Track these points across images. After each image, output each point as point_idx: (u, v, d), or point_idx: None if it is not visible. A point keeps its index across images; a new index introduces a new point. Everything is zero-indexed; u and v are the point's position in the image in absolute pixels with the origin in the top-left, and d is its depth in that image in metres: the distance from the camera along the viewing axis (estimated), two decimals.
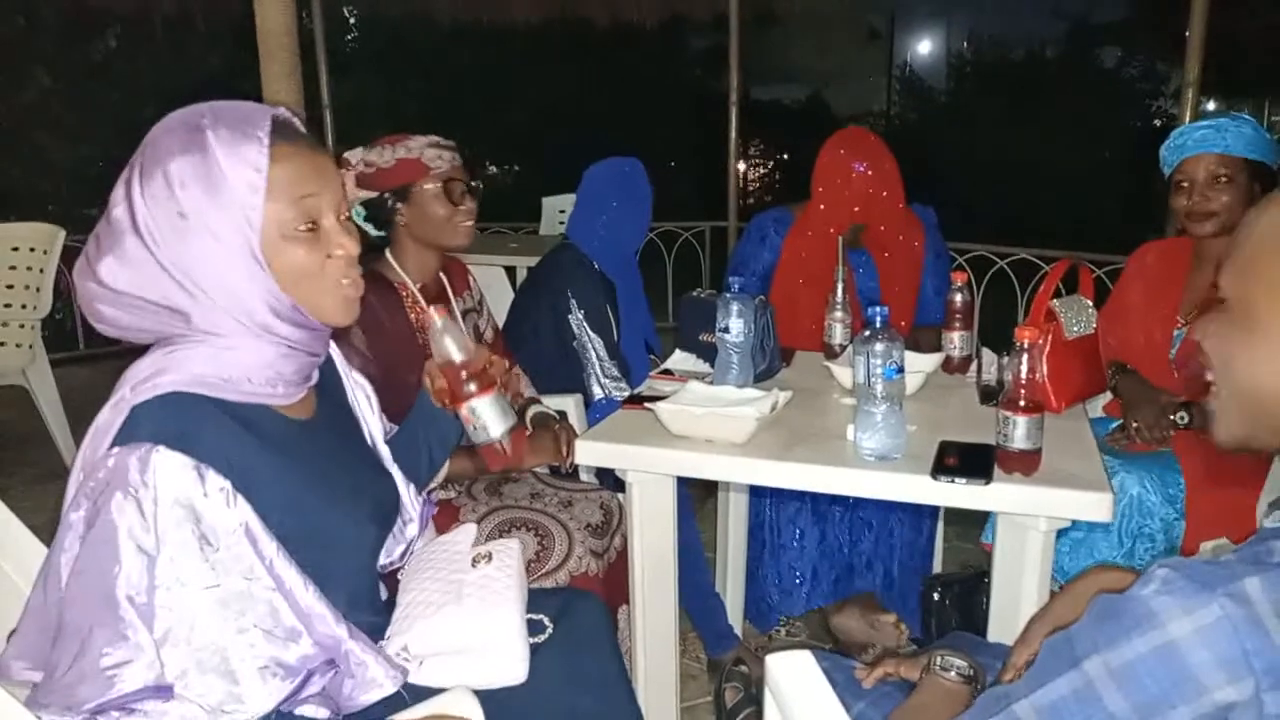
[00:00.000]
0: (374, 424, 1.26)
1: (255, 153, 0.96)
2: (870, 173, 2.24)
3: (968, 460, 1.38)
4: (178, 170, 0.95)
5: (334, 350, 1.24)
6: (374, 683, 1.04)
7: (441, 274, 1.90)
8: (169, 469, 0.91)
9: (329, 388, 1.18)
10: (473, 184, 1.80)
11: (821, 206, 2.29)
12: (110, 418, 0.94)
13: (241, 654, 0.94)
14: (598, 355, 2.26)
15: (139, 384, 0.95)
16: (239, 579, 0.94)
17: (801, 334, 2.23)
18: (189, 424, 0.94)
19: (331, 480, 1.08)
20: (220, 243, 0.96)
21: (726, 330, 1.74)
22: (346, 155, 1.76)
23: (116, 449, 0.91)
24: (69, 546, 0.91)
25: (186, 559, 0.91)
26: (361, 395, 1.26)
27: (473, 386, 1.17)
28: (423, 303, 1.77)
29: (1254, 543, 0.70)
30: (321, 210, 1.02)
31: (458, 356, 1.17)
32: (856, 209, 2.25)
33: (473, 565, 1.25)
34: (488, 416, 1.18)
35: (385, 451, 1.25)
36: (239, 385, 0.99)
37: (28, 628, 0.95)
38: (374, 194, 1.74)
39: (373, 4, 6.73)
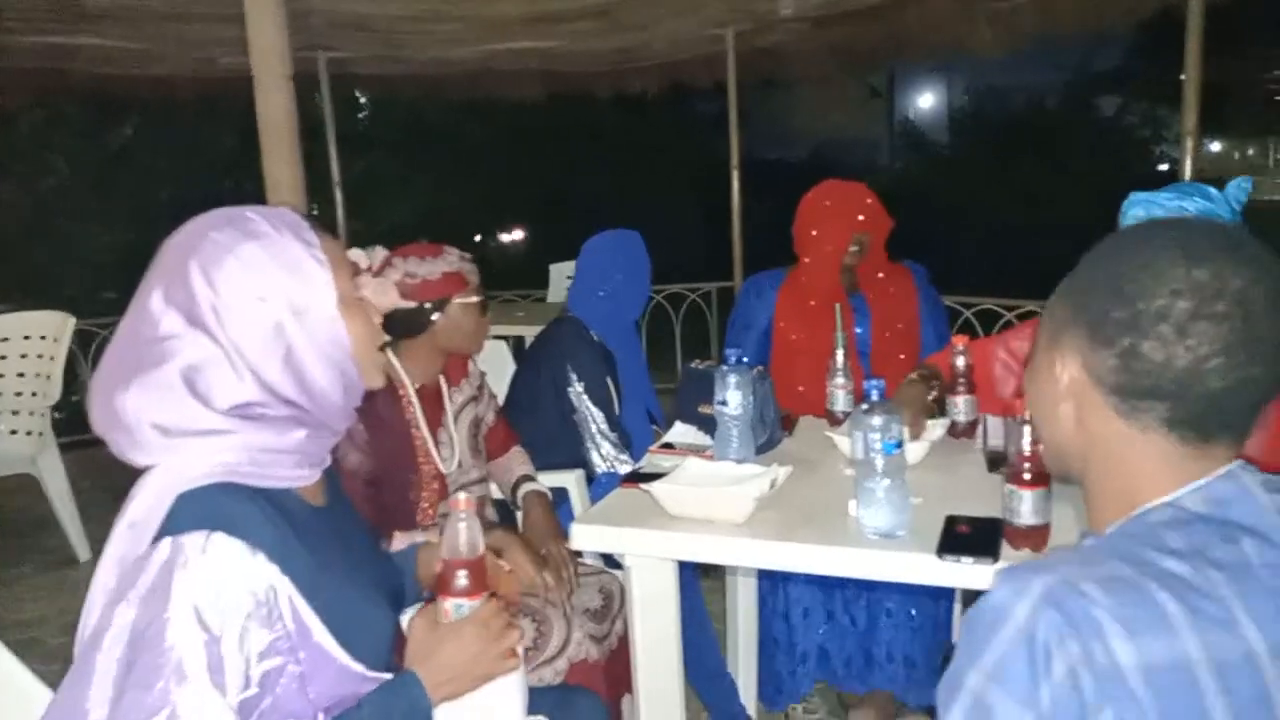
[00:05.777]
0: None
1: (308, 233, 1.01)
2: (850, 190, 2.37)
3: (975, 536, 1.33)
4: (250, 255, 0.95)
5: None
6: None
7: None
8: (229, 555, 0.88)
9: (330, 473, 1.16)
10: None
11: (814, 232, 2.34)
12: (148, 510, 0.91)
13: None
14: (598, 428, 2.24)
15: (174, 474, 0.93)
16: (292, 661, 0.92)
17: (803, 386, 2.25)
18: (237, 511, 0.92)
19: (353, 569, 1.06)
20: (302, 317, 0.98)
21: (724, 403, 1.72)
22: (356, 255, 1.73)
23: (168, 538, 0.88)
24: (111, 645, 0.86)
25: (246, 643, 0.88)
26: None
27: (463, 582, 1.06)
28: (417, 403, 1.77)
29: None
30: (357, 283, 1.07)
31: (463, 552, 1.06)
32: (827, 200, 2.33)
33: None
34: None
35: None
36: (270, 470, 0.98)
37: None
38: (413, 304, 1.74)
39: (384, 85, 6.88)
